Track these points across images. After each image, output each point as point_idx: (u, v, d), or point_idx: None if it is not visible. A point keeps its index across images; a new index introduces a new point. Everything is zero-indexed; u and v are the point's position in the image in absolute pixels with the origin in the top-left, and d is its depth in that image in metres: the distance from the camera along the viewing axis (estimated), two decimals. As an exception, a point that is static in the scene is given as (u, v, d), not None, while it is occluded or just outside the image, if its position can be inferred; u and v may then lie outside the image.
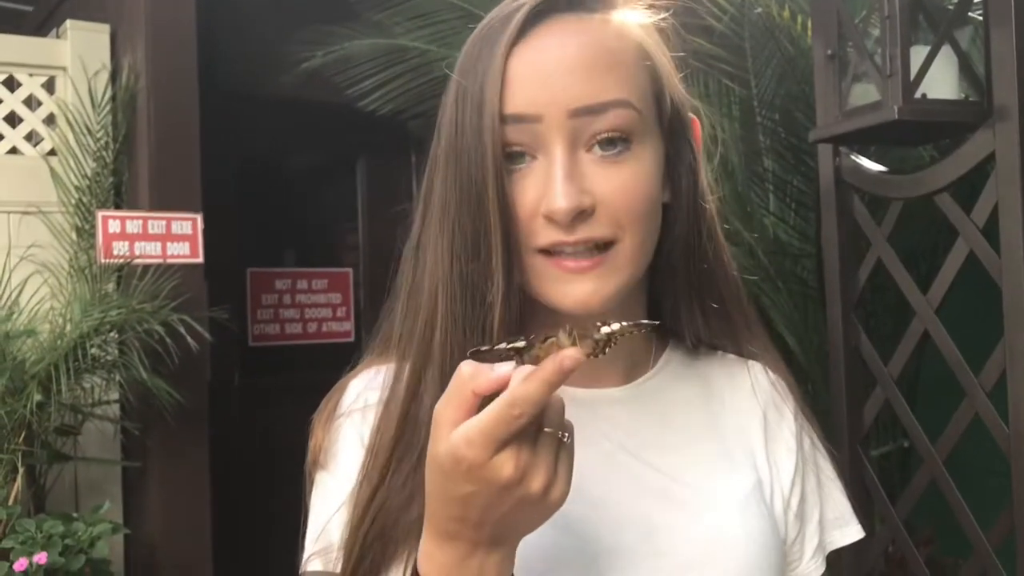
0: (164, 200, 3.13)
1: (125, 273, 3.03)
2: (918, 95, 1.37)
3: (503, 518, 0.63)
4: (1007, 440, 1.35)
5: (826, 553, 0.84)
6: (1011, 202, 1.30)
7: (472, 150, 0.75)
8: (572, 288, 0.75)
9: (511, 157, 0.74)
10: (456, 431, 0.60)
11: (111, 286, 3.04)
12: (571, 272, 0.75)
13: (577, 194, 0.72)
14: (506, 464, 0.60)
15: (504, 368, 0.60)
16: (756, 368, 0.88)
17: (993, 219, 1.36)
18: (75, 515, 2.71)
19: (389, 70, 2.74)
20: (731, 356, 0.88)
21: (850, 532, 0.86)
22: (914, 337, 1.48)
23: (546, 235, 0.75)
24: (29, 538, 2.47)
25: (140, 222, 3.12)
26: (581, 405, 0.81)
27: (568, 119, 0.73)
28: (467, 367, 0.61)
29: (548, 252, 0.75)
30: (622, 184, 0.74)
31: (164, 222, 3.15)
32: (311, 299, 4.11)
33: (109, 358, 2.91)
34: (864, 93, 1.44)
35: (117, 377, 2.91)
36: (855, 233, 1.58)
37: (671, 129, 0.79)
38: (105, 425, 3.05)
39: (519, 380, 0.59)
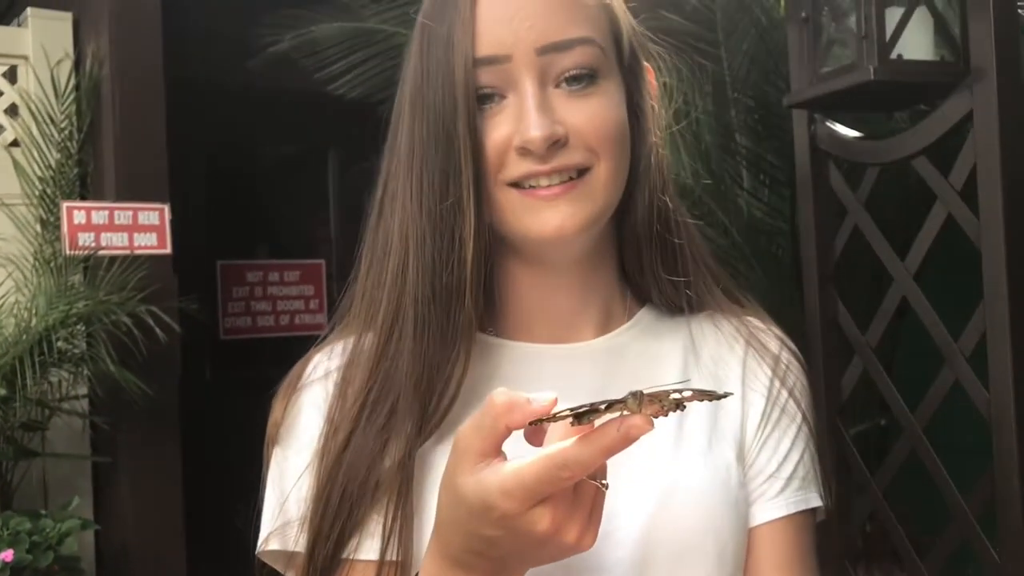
0: (130, 191, 3.07)
1: (91, 265, 2.97)
2: (893, 56, 1.35)
3: (525, 559, 0.63)
4: (987, 405, 1.33)
5: (787, 508, 0.82)
6: (989, 163, 1.28)
7: (441, 91, 0.75)
8: (546, 215, 0.75)
9: (481, 98, 0.75)
10: (490, 475, 0.58)
11: (77, 278, 2.98)
12: (545, 200, 0.75)
13: (550, 124, 0.73)
14: (543, 519, 0.59)
15: (538, 398, 0.58)
16: (744, 319, 0.87)
17: (971, 183, 1.35)
18: (43, 512, 2.65)
19: (357, 53, 2.71)
20: (719, 313, 0.87)
21: (811, 497, 0.84)
22: (892, 303, 1.46)
23: (518, 167, 0.75)
24: (-6, 535, 2.42)
25: (106, 213, 3.06)
26: (554, 359, 0.81)
27: (537, 56, 0.74)
28: (501, 396, 0.59)
29: (519, 186, 0.75)
30: (592, 113, 0.75)
31: (130, 212, 3.09)
32: (283, 291, 4.07)
33: (76, 351, 2.86)
34: (839, 57, 1.42)
35: (85, 371, 2.86)
36: (830, 201, 1.56)
37: (630, 70, 0.81)
38: (73, 420, 2.99)
39: (576, 441, 0.56)
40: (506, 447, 0.60)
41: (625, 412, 0.56)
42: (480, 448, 0.59)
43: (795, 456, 0.83)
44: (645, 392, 0.56)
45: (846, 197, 1.53)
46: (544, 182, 0.74)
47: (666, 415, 0.56)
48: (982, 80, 1.30)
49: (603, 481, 0.61)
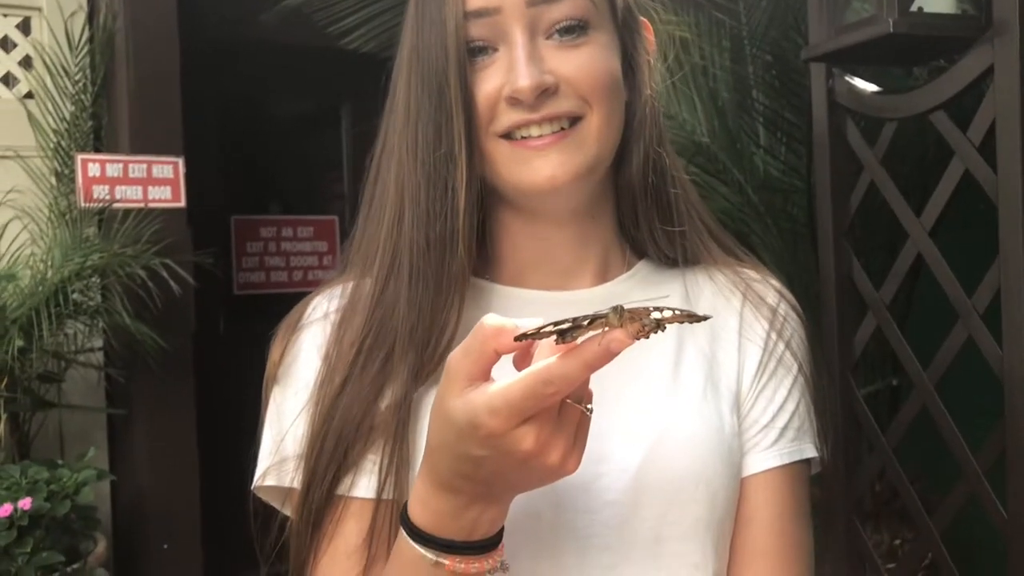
0: (145, 144, 3.06)
1: (106, 217, 2.98)
2: (914, 8, 1.33)
3: (511, 480, 0.63)
4: (1000, 362, 1.33)
5: (780, 458, 0.82)
6: (1009, 117, 1.27)
7: (434, 45, 0.76)
8: (538, 165, 0.75)
9: (472, 51, 0.76)
10: (477, 395, 0.59)
11: (92, 230, 2.99)
12: (536, 150, 0.75)
13: (539, 73, 0.74)
14: (526, 437, 0.59)
15: (526, 324, 0.59)
16: (740, 271, 0.88)
17: (989, 139, 1.33)
18: (60, 462, 2.68)
19: (371, 7, 2.68)
20: (714, 266, 0.87)
21: (806, 448, 0.84)
22: (908, 260, 1.45)
23: (508, 117, 0.75)
24: (13, 484, 2.45)
25: (120, 166, 3.06)
26: (552, 305, 0.81)
27: (527, 8, 0.76)
28: (491, 320, 0.60)
29: (511, 137, 0.76)
30: (583, 63, 0.76)
31: (145, 166, 3.09)
32: (296, 247, 4.07)
33: (91, 303, 2.88)
34: (858, 10, 1.40)
35: (100, 323, 2.88)
36: (847, 157, 1.54)
37: (624, 24, 0.81)
38: (89, 372, 3.02)
39: (559, 357, 0.57)
40: (496, 377, 0.61)
41: (607, 329, 0.57)
42: (469, 371, 0.60)
43: (790, 407, 0.83)
44: (626, 308, 0.57)
45: (863, 153, 1.51)
46: (535, 132, 0.75)
47: (647, 336, 0.57)
48: (1004, 34, 1.28)
49: (588, 406, 0.62)
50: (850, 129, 1.54)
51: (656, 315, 0.57)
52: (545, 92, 0.74)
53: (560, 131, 0.75)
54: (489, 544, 0.66)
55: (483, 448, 0.60)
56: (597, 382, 0.62)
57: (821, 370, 0.90)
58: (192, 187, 3.09)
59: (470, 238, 0.76)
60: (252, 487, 0.81)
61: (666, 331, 0.58)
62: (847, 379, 1.60)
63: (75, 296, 2.77)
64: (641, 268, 0.86)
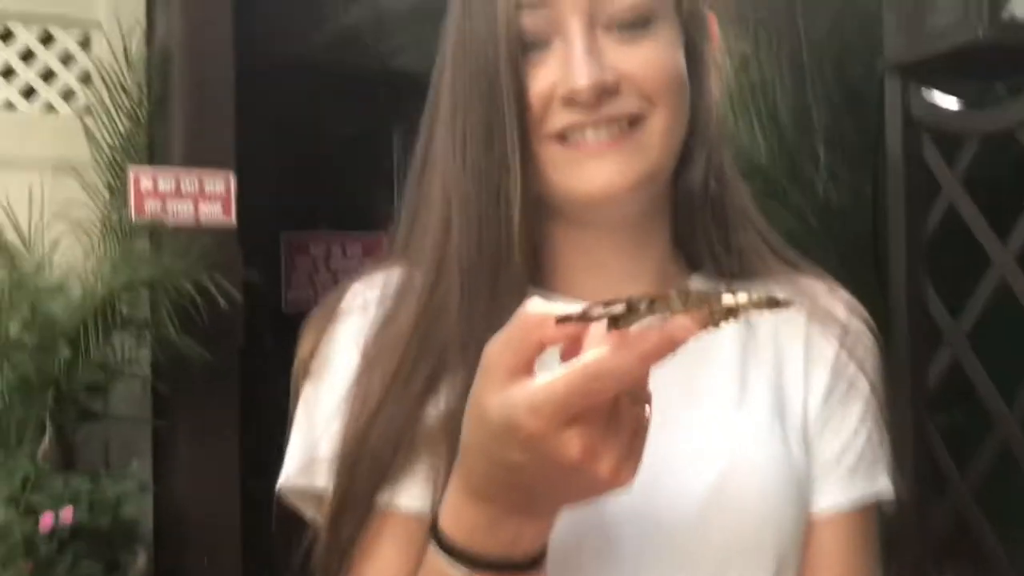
0: (197, 159, 3.06)
1: (157, 232, 2.98)
2: (1005, 16, 1.25)
3: (555, 491, 0.56)
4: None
5: (851, 493, 0.75)
6: (1105, 134, 1.18)
7: (483, 39, 0.70)
8: (594, 169, 0.69)
9: (525, 46, 0.70)
10: (517, 391, 0.52)
11: (143, 244, 3.00)
12: (592, 155, 0.69)
13: (599, 70, 0.68)
14: (573, 442, 0.52)
15: (574, 311, 0.52)
16: (805, 284, 0.80)
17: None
18: (103, 473, 2.67)
19: (422, 25, 2.66)
20: (773, 280, 0.80)
21: (878, 483, 0.77)
22: (989, 287, 1.37)
23: (562, 118, 0.69)
24: (56, 494, 2.43)
25: (173, 179, 3.07)
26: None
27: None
28: (535, 307, 0.53)
29: (564, 139, 0.69)
30: (646, 58, 0.69)
31: (196, 180, 3.10)
32: (346, 264, 4.06)
33: (139, 317, 2.89)
34: (942, 16, 1.33)
35: (148, 336, 2.88)
36: (923, 178, 1.46)
37: (689, 19, 0.75)
38: (135, 384, 3.01)
39: (611, 347, 0.50)
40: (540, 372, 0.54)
41: (669, 315, 0.49)
42: (509, 364, 0.53)
43: (861, 436, 0.76)
44: (692, 291, 0.50)
45: (941, 172, 1.43)
46: (591, 135, 0.69)
47: (716, 325, 0.49)
48: (1100, 45, 1.20)
49: (646, 407, 0.54)
50: (926, 147, 1.46)
51: (728, 299, 0.49)
52: (605, 91, 0.68)
53: (619, 133, 0.69)
54: (530, 563, 0.58)
55: (523, 452, 0.53)
56: (657, 394, 0.55)
57: (893, 400, 0.83)
58: (243, 203, 3.08)
59: (526, 247, 0.71)
60: (278, 487, 0.75)
61: (739, 323, 0.50)
62: (920, 414, 1.52)
63: (123, 309, 2.77)
64: (696, 281, 0.79)
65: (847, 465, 0.75)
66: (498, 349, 0.54)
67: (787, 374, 0.76)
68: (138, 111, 3.15)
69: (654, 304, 0.49)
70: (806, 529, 0.73)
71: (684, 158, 0.75)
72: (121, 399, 2.98)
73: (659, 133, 0.70)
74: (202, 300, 2.74)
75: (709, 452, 0.71)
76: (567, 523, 0.61)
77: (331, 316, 0.77)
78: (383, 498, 0.69)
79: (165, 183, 3.05)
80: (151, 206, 2.99)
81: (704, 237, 0.77)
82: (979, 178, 1.46)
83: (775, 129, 2.18)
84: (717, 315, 0.49)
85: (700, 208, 0.76)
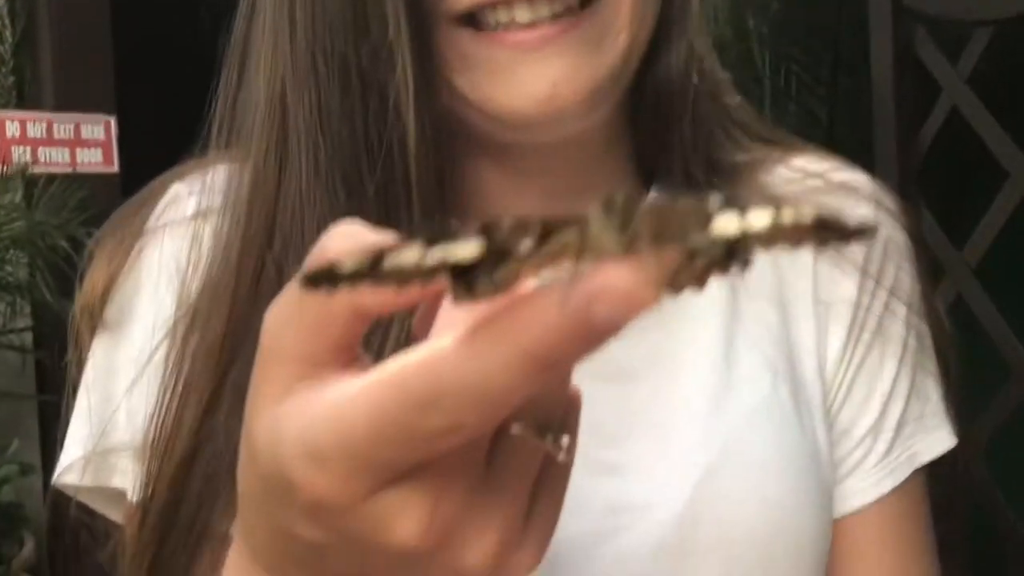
0: (72, 102, 2.81)
1: (28, 183, 2.73)
2: None
3: None
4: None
5: (899, 464, 0.59)
6: None
7: None
8: (528, 73, 0.46)
9: None
10: (290, 414, 0.28)
11: (9, 197, 2.76)
12: (526, 49, 0.46)
13: None
14: (401, 518, 0.29)
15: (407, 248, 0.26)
16: (807, 170, 0.63)
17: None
18: (-22, 456, 2.47)
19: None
20: (768, 171, 0.62)
21: (931, 442, 0.60)
22: (1006, 208, 1.17)
23: None
24: (-78, 482, 2.24)
25: (43, 125, 2.83)
26: None
27: None
28: (343, 235, 0.29)
29: (477, 23, 0.47)
30: None
31: (72, 125, 2.91)
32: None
33: (14, 280, 2.64)
34: None
35: (26, 302, 2.64)
36: (917, 79, 1.25)
37: None
38: (13, 357, 2.75)
39: (456, 341, 0.26)
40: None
41: (589, 260, 0.24)
42: (297, 354, 0.29)
43: (901, 393, 0.59)
44: (645, 206, 0.24)
45: (942, 71, 1.22)
46: (524, 16, 0.46)
47: (700, 284, 0.24)
48: None
49: (559, 437, 0.31)
50: (921, 41, 1.24)
51: (726, 221, 0.24)
52: None
53: (566, 15, 0.47)
54: None
55: (313, 527, 0.30)
56: (591, 407, 0.32)
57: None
58: (127, 149, 2.84)
59: (429, 186, 0.49)
60: (54, 482, 0.57)
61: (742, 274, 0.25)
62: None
63: (-7, 272, 2.54)
64: (659, 198, 0.58)
65: (887, 437, 0.58)
66: (279, 318, 0.30)
67: (795, 318, 0.58)
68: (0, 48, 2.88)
69: (555, 236, 0.24)
70: (835, 530, 0.56)
71: (656, 45, 0.54)
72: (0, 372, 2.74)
73: (626, 11, 0.49)
74: (80, 259, 2.47)
75: (687, 448, 0.53)
76: None
77: (137, 233, 0.57)
78: (223, 525, 0.50)
79: (35, 128, 2.83)
80: (19, 154, 2.75)
81: (680, 157, 0.58)
82: (988, 78, 1.26)
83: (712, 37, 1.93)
84: (703, 258, 0.24)
85: (677, 116, 0.57)
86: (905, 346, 0.60)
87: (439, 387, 0.26)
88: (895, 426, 0.58)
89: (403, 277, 0.25)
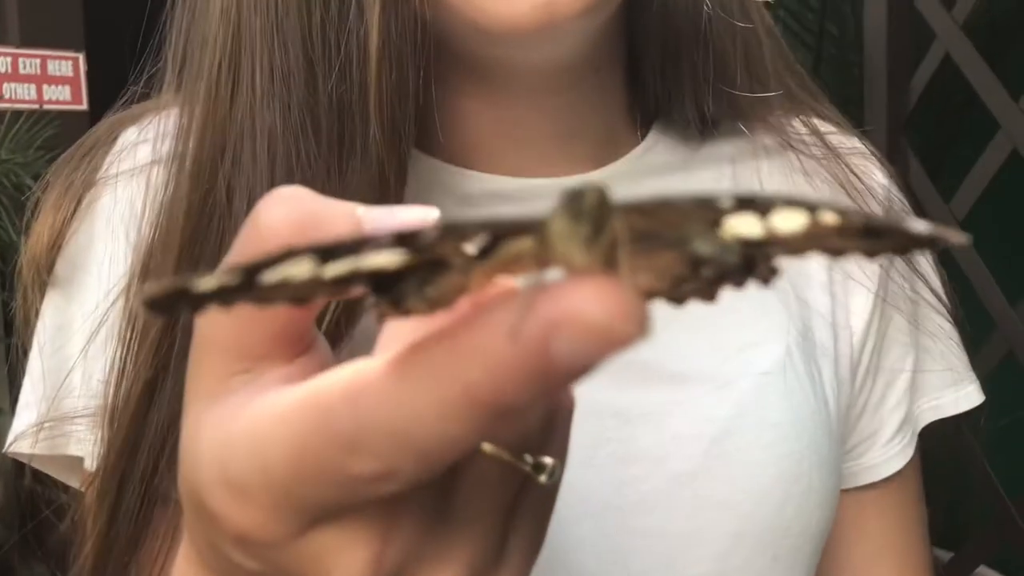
0: (38, 37, 2.75)
1: (-5, 120, 2.66)
2: None
3: None
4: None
5: (919, 428, 0.57)
6: None
7: None
8: None
9: None
10: (215, 429, 0.25)
11: (-26, 135, 2.67)
12: None
13: None
14: (346, 558, 0.24)
15: (408, 215, 0.24)
16: (825, 134, 0.57)
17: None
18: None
19: None
20: (785, 121, 0.56)
21: (965, 395, 0.58)
22: (996, 160, 1.13)
23: None
24: None
25: (9, 60, 2.73)
26: (535, 200, 0.48)
27: None
28: (277, 207, 0.23)
29: None
30: None
31: (38, 60, 2.81)
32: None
33: (-22, 219, 2.57)
34: None
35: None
36: (909, 24, 1.20)
37: None
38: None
39: (383, 372, 0.21)
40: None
41: (549, 271, 0.18)
42: (230, 337, 0.25)
43: (923, 358, 0.57)
44: (628, 202, 0.18)
45: (935, 16, 1.17)
46: None
47: (709, 298, 0.20)
48: None
49: (540, 458, 0.25)
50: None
51: (746, 223, 0.18)
52: None
53: None
54: None
55: (246, 557, 0.26)
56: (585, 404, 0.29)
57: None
58: (97, 86, 2.76)
59: (391, 103, 0.42)
60: (4, 449, 0.51)
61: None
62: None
63: (-44, 210, 2.45)
64: (659, 139, 0.54)
65: (902, 410, 0.56)
66: (206, 317, 0.26)
67: (810, 293, 0.54)
68: (-37, -22, 2.80)
69: (504, 247, 0.19)
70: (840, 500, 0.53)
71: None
72: (-34, 314, 2.71)
73: None
74: (46, 198, 2.41)
75: (701, 401, 0.49)
76: None
77: (84, 185, 0.50)
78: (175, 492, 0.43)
79: (0, 63, 2.74)
80: (-18, 89, 2.67)
81: (692, 80, 0.50)
82: (982, 24, 1.21)
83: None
84: (711, 268, 0.19)
85: (690, 39, 0.49)
86: (922, 312, 0.57)
87: (361, 425, 0.21)
88: (907, 388, 0.56)
89: (298, 292, 0.20)
